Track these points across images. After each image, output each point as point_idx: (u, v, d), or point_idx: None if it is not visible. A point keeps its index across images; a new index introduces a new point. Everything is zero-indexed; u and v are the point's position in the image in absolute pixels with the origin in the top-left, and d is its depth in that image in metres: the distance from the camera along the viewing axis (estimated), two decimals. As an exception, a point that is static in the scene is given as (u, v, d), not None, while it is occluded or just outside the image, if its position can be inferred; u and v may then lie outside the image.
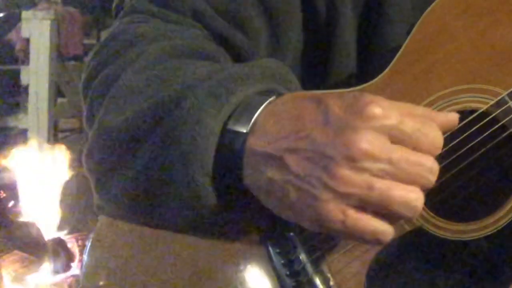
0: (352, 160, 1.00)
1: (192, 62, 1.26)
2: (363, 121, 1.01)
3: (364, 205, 1.02)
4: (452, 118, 1.10)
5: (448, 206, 1.22)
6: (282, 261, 1.26)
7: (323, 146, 1.02)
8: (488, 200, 1.22)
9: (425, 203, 1.09)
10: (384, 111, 1.02)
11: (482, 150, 1.21)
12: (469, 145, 1.19)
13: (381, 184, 1.01)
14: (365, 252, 1.23)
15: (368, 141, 1.00)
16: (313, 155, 1.03)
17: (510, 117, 1.18)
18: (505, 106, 1.19)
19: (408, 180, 1.02)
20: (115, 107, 1.23)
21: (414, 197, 1.02)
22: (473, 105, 1.21)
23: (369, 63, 1.39)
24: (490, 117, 1.19)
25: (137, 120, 1.19)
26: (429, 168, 1.02)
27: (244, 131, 1.11)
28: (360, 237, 1.04)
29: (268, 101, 1.12)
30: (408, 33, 1.29)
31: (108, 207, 1.29)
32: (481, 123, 1.20)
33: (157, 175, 1.16)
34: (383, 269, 1.23)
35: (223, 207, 1.16)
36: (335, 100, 1.05)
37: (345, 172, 1.00)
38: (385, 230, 1.04)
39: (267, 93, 1.16)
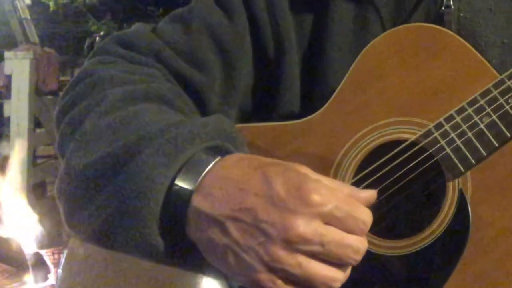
0: (288, 242, 1.01)
1: (150, 109, 1.24)
2: (303, 207, 1.01)
3: (293, 279, 1.04)
4: (373, 194, 1.11)
5: (383, 226, 1.21)
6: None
7: (264, 223, 1.02)
8: (417, 219, 1.22)
9: None
10: (322, 198, 1.02)
11: (412, 176, 1.20)
12: (400, 172, 1.18)
13: (308, 264, 1.02)
14: None
15: (304, 226, 1.01)
16: (254, 229, 1.03)
17: (436, 147, 1.19)
18: (432, 137, 1.19)
19: (335, 260, 1.04)
20: (80, 150, 1.20)
21: (336, 277, 1.04)
22: (404, 136, 1.21)
23: (312, 98, 1.37)
24: (418, 146, 1.19)
25: (97, 166, 1.16)
26: (356, 249, 1.04)
27: (190, 188, 1.08)
28: None
29: (214, 162, 1.10)
30: (347, 71, 1.29)
31: (77, 235, 1.25)
32: (410, 152, 1.20)
33: (115, 217, 1.14)
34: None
35: (171, 251, 1.13)
36: (279, 179, 1.04)
37: (280, 252, 1.01)
38: None
39: (214, 150, 1.14)
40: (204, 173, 1.09)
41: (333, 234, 1.03)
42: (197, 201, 1.07)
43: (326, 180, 1.07)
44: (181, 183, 1.09)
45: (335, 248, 1.03)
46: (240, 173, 1.08)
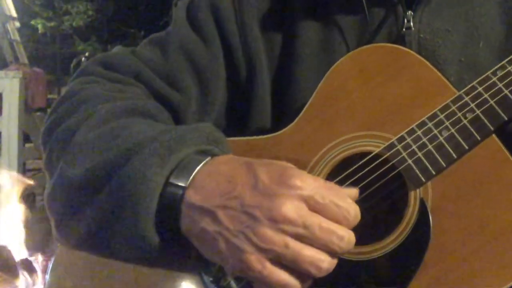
0: (274, 222, 1.02)
1: (137, 121, 1.25)
2: (286, 190, 1.03)
3: (280, 260, 1.04)
4: (355, 191, 1.13)
5: None
6: (215, 287, 1.22)
7: (251, 207, 1.04)
8: (382, 226, 1.21)
9: None
10: (303, 183, 1.04)
11: (376, 186, 1.20)
12: (365, 182, 1.18)
13: (294, 245, 1.03)
14: None
15: (288, 208, 1.02)
16: (242, 214, 1.04)
17: (398, 158, 1.19)
18: (394, 149, 1.19)
19: (319, 244, 1.04)
20: (74, 161, 1.21)
21: (322, 258, 1.04)
22: (368, 148, 1.21)
23: (282, 115, 1.37)
24: (382, 158, 1.20)
25: (92, 173, 1.16)
26: (340, 236, 1.04)
27: (184, 185, 1.10)
28: (271, 286, 1.05)
29: (205, 161, 1.12)
30: (314, 89, 1.29)
31: (66, 242, 1.26)
32: (375, 163, 1.20)
33: (110, 218, 1.14)
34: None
35: (163, 246, 1.14)
36: (263, 168, 1.07)
37: (267, 231, 1.02)
38: (294, 285, 1.06)
39: (203, 153, 1.15)
40: (196, 171, 1.10)
41: (316, 217, 1.04)
42: (190, 196, 1.09)
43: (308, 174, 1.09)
44: (175, 180, 1.11)
45: (319, 232, 1.03)
46: (228, 168, 1.10)
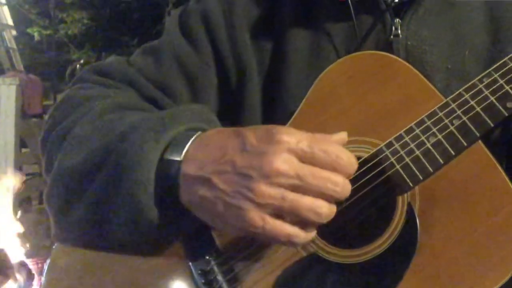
0: (267, 177, 1.03)
1: (132, 113, 1.27)
2: (274, 146, 1.04)
3: (280, 213, 1.05)
4: (343, 136, 1.13)
5: (337, 236, 1.20)
6: (203, 280, 1.22)
7: (243, 168, 1.05)
8: (371, 230, 1.21)
9: (317, 233, 1.12)
10: (289, 136, 1.05)
11: (365, 190, 1.20)
12: (354, 186, 1.17)
13: (291, 195, 1.04)
14: (270, 273, 1.20)
15: (278, 161, 1.03)
16: (236, 176, 1.06)
17: (386, 163, 1.18)
18: (383, 155, 1.19)
19: (315, 192, 1.05)
20: (72, 151, 1.23)
21: (320, 205, 1.05)
22: (358, 154, 1.20)
23: (272, 122, 1.35)
24: (371, 163, 1.19)
25: (91, 156, 1.19)
26: (334, 181, 1.05)
27: (178, 159, 1.13)
28: (277, 239, 1.07)
29: (196, 135, 1.15)
30: (304, 96, 1.29)
31: (65, 234, 1.27)
32: (364, 168, 1.19)
33: (109, 195, 1.16)
34: (285, 288, 1.21)
35: (161, 222, 1.16)
36: (250, 132, 1.09)
37: (262, 187, 1.03)
38: (297, 234, 1.07)
39: (195, 130, 1.17)
40: (188, 144, 1.13)
41: (307, 167, 1.05)
42: (185, 168, 1.12)
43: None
44: (170, 156, 1.14)
45: (312, 180, 1.04)
46: (218, 137, 1.13)
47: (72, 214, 1.21)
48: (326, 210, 1.06)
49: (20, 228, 5.30)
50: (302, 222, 1.06)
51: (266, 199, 1.03)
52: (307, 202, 1.04)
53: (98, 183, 1.18)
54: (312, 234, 1.09)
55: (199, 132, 1.16)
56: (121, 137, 1.18)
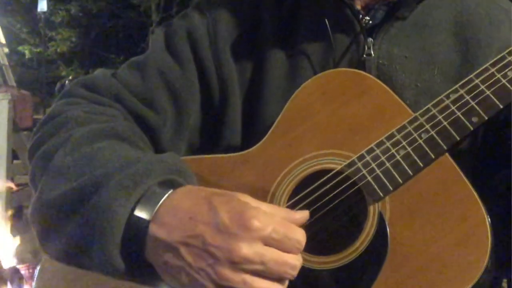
0: (233, 263, 1.01)
1: (110, 146, 1.22)
2: (245, 232, 1.01)
3: None
4: (305, 214, 1.11)
5: (313, 243, 1.19)
6: None
7: (212, 247, 1.02)
8: (344, 238, 1.20)
9: None
10: (261, 224, 1.02)
11: (338, 201, 1.20)
12: (328, 197, 1.17)
13: (251, 280, 1.02)
14: None
15: (247, 249, 1.01)
16: (203, 253, 1.03)
17: (358, 175, 1.18)
18: (355, 167, 1.19)
19: (275, 276, 1.03)
20: (50, 184, 1.19)
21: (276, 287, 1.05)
22: (331, 166, 1.20)
23: (251, 135, 1.36)
24: (343, 175, 1.19)
25: (65, 199, 1.14)
26: (293, 266, 1.04)
27: (147, 218, 1.07)
28: None
29: (167, 195, 1.09)
30: (281, 111, 1.28)
31: (49, 253, 1.22)
32: (336, 179, 1.19)
33: (83, 243, 1.12)
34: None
35: (132, 271, 1.12)
36: (223, 208, 1.04)
37: (226, 271, 1.01)
38: None
39: (167, 184, 1.12)
40: (158, 205, 1.07)
41: (272, 254, 1.02)
42: (154, 230, 1.06)
43: (264, 206, 1.06)
44: (139, 214, 1.07)
45: (274, 266, 1.02)
46: (189, 203, 1.07)
47: (52, 244, 1.18)
48: None
49: (12, 235, 5.28)
50: None
51: (229, 283, 1.02)
52: (265, 286, 1.03)
53: (74, 226, 1.13)
54: None
55: (170, 191, 1.10)
56: (95, 186, 1.12)
